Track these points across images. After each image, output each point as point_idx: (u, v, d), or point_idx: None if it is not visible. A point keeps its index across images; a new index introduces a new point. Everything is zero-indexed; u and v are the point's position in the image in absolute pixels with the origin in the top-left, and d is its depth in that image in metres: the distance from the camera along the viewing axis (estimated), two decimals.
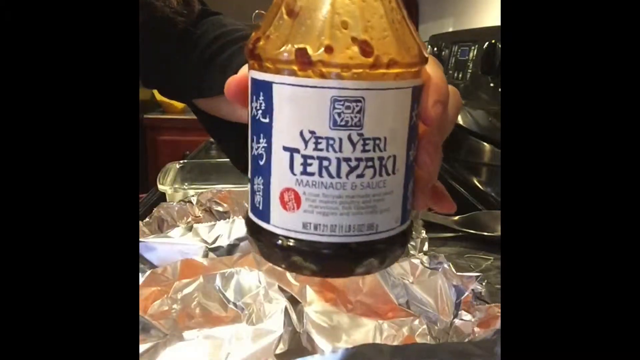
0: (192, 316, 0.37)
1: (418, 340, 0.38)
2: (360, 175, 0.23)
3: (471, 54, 1.05)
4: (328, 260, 0.24)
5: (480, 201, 0.86)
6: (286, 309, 0.37)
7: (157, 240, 0.44)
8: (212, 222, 0.47)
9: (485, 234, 0.66)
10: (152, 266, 0.43)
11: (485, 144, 0.99)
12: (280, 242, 0.24)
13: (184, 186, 0.74)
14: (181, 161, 0.82)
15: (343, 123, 0.22)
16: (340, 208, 0.23)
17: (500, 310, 0.36)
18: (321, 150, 0.22)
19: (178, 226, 0.52)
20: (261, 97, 0.23)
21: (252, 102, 0.24)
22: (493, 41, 0.91)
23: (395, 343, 0.37)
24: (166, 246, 0.44)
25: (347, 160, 0.23)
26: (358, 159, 0.23)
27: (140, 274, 0.39)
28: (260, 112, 0.23)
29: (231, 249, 0.45)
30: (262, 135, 0.24)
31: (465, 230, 0.68)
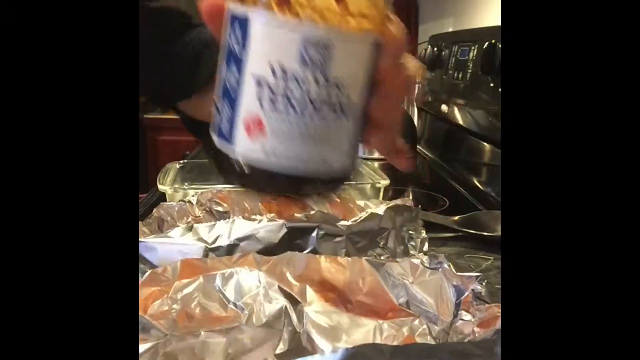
0: (192, 316, 0.37)
1: (418, 340, 0.38)
2: (320, 113, 0.25)
3: (471, 54, 1.05)
4: (281, 183, 0.27)
5: (480, 201, 0.86)
6: (286, 309, 0.37)
7: (157, 240, 0.44)
8: (212, 222, 0.47)
9: (485, 234, 0.66)
10: (152, 266, 0.43)
11: (485, 144, 0.99)
12: (240, 164, 0.26)
13: (184, 186, 0.74)
14: (181, 161, 0.82)
15: (310, 63, 0.24)
16: (299, 140, 0.25)
17: (500, 310, 0.36)
18: (287, 83, 0.25)
19: (178, 226, 0.52)
20: (237, 29, 0.25)
21: (228, 32, 0.26)
22: (493, 41, 0.91)
23: (395, 343, 0.37)
24: (166, 246, 0.44)
25: (310, 97, 0.25)
26: (320, 98, 0.25)
27: (140, 274, 0.39)
28: (235, 42, 0.26)
29: (231, 249, 0.45)
30: (234, 64, 0.26)
31: (465, 230, 0.68)
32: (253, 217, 0.47)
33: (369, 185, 0.75)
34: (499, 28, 0.94)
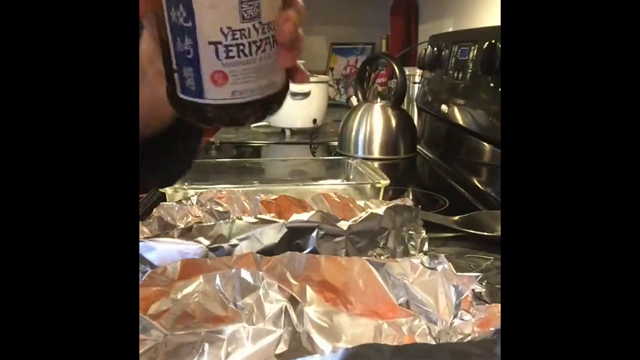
0: (192, 316, 0.37)
1: (418, 340, 0.38)
2: (263, 50, 0.33)
3: (471, 54, 1.05)
4: (250, 113, 0.34)
5: (480, 201, 0.86)
6: (286, 309, 0.37)
7: (157, 240, 0.44)
8: (212, 222, 0.47)
9: (485, 234, 0.66)
10: (152, 266, 0.43)
11: (485, 144, 0.99)
12: (213, 108, 0.34)
13: (184, 186, 0.74)
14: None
15: (249, 17, 0.32)
16: (254, 76, 0.33)
17: (500, 310, 0.36)
18: (237, 39, 0.32)
19: (178, 226, 0.52)
20: (181, 7, 0.31)
21: (170, 11, 0.32)
22: (493, 41, 0.91)
23: (395, 343, 0.37)
24: (166, 246, 0.44)
25: (255, 42, 0.32)
26: (261, 39, 0.33)
27: (140, 274, 0.39)
28: (182, 18, 0.32)
29: (231, 249, 0.45)
30: (186, 36, 0.32)
31: (465, 230, 0.68)
32: (253, 217, 0.47)
33: (369, 185, 0.75)
34: (499, 28, 0.94)
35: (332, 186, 0.81)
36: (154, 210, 0.56)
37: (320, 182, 0.89)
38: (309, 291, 0.39)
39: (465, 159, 1.10)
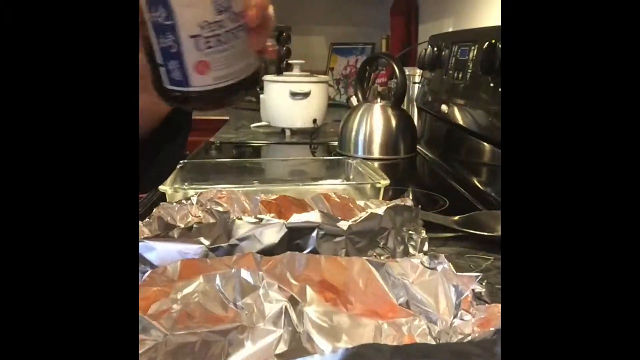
0: (192, 316, 0.37)
1: (418, 340, 0.38)
2: (238, 37, 0.37)
3: (471, 54, 1.05)
4: (232, 94, 0.39)
5: (480, 201, 0.86)
6: (286, 309, 0.37)
7: (157, 240, 0.44)
8: (212, 222, 0.47)
9: (485, 234, 0.66)
10: (152, 266, 0.42)
11: (485, 144, 0.99)
12: (200, 95, 0.37)
13: (184, 186, 0.74)
14: (181, 161, 0.82)
15: (222, 9, 0.35)
16: (233, 61, 0.37)
17: (500, 310, 0.36)
18: (214, 30, 0.35)
19: (178, 226, 0.52)
20: (161, 8, 0.35)
21: (151, 12, 0.35)
22: (493, 41, 0.91)
23: (395, 343, 0.37)
24: (166, 246, 0.44)
25: (230, 30, 0.36)
26: (235, 28, 0.36)
27: (140, 274, 0.39)
28: (162, 18, 0.35)
29: (231, 249, 0.45)
30: (168, 33, 0.35)
31: (465, 230, 0.68)
32: (253, 217, 0.47)
33: (369, 185, 0.75)
34: (499, 28, 0.94)
35: (332, 186, 0.81)
36: (154, 210, 0.56)
37: (320, 182, 0.89)
38: (309, 291, 0.39)
39: (465, 159, 1.10)
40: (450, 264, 0.40)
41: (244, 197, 0.59)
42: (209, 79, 0.37)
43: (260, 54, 0.40)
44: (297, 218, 0.47)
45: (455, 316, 0.38)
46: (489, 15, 1.27)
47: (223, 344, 0.35)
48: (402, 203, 0.53)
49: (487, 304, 0.38)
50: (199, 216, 0.56)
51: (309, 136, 1.43)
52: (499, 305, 0.36)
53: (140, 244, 0.43)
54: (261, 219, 0.46)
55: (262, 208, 0.58)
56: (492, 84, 0.93)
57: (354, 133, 1.23)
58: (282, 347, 0.36)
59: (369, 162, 0.87)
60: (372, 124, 1.21)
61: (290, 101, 1.48)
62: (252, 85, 0.40)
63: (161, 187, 0.68)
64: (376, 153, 1.21)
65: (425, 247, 0.53)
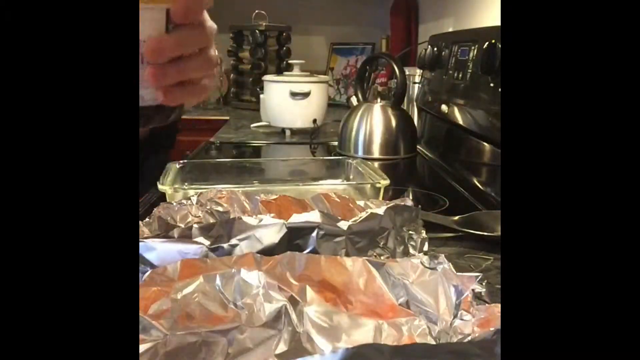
0: (192, 316, 0.37)
1: (418, 340, 0.38)
2: (141, 63, 0.38)
3: (471, 54, 1.05)
4: (146, 115, 0.41)
5: (480, 201, 0.86)
6: (286, 309, 0.37)
7: (157, 240, 0.44)
8: (212, 222, 0.47)
9: (485, 234, 0.66)
10: (152, 266, 0.42)
11: (485, 144, 0.99)
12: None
13: (184, 186, 0.74)
14: (181, 161, 0.82)
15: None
16: (142, 85, 0.38)
17: (500, 310, 0.36)
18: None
19: (178, 226, 0.52)
20: None
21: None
22: (493, 41, 0.91)
23: (395, 343, 0.37)
24: (166, 246, 0.44)
25: (140, 54, 0.38)
26: (140, 53, 0.38)
27: (140, 274, 0.39)
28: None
29: (231, 249, 0.45)
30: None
31: (465, 230, 0.68)
32: (253, 217, 0.47)
33: (369, 185, 0.75)
34: (499, 28, 0.94)
35: (332, 186, 0.81)
36: (154, 210, 0.56)
37: (320, 182, 0.89)
38: (309, 291, 0.39)
39: (465, 159, 1.10)
40: (450, 264, 0.40)
41: (244, 197, 0.59)
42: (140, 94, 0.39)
43: (166, 94, 0.40)
44: (297, 218, 0.47)
45: (455, 316, 0.38)
46: (489, 15, 1.27)
47: (223, 344, 0.35)
48: (402, 203, 0.53)
49: (487, 304, 0.38)
50: (199, 216, 0.56)
51: (309, 136, 1.43)
52: (499, 305, 0.36)
53: (140, 244, 0.43)
54: (261, 219, 0.46)
55: (262, 208, 0.58)
56: (492, 84, 0.93)
57: (354, 133, 1.23)
58: (282, 347, 0.36)
59: (369, 162, 0.87)
60: (372, 124, 1.21)
61: (290, 101, 1.49)
62: (150, 118, 0.41)
63: (161, 187, 0.68)
64: (376, 153, 1.21)
65: (425, 247, 0.53)
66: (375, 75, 1.84)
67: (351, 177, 0.87)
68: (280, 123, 1.54)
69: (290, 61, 1.85)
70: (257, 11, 2.07)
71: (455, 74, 1.12)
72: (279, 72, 2.01)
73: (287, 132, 1.53)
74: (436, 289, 0.40)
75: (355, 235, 0.47)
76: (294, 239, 0.46)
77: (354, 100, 1.35)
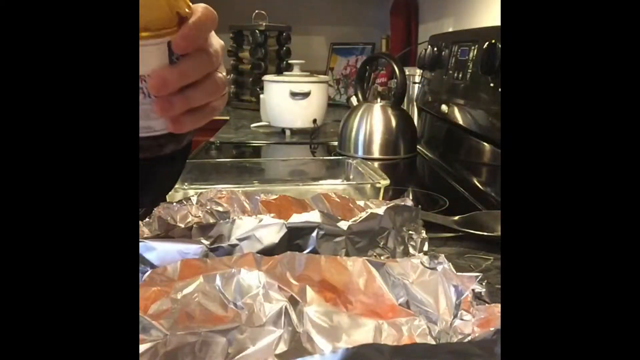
0: (192, 316, 0.37)
1: (418, 340, 0.38)
2: (144, 96, 0.38)
3: (471, 54, 1.05)
4: (145, 146, 0.41)
5: (480, 201, 0.86)
6: (286, 309, 0.37)
7: (157, 240, 0.44)
8: (212, 222, 0.47)
9: (485, 234, 0.66)
10: (152, 266, 0.42)
11: (485, 144, 0.99)
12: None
13: (184, 186, 0.74)
14: None
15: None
16: (142, 117, 0.39)
17: (500, 310, 0.36)
18: (142, 82, 0.38)
19: (178, 226, 0.52)
20: None
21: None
22: (493, 41, 0.91)
23: (395, 343, 0.37)
24: (166, 246, 0.44)
25: (141, 88, 0.38)
26: (141, 87, 0.38)
27: (140, 274, 0.39)
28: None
29: (231, 249, 0.45)
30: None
31: (465, 230, 0.68)
32: (253, 217, 0.47)
33: (369, 185, 0.75)
34: (499, 28, 0.94)
35: (332, 186, 0.81)
36: (154, 210, 0.56)
37: (320, 182, 0.89)
38: (309, 291, 0.39)
39: (465, 159, 1.10)
40: (450, 264, 0.40)
41: (244, 197, 0.59)
42: (140, 126, 0.39)
43: (175, 123, 0.41)
44: (297, 218, 0.47)
45: (455, 316, 0.38)
46: (489, 15, 1.27)
47: (223, 344, 0.35)
48: (402, 203, 0.53)
49: (487, 304, 0.38)
50: (199, 216, 0.56)
51: (309, 136, 1.43)
52: (499, 305, 0.36)
53: (140, 244, 0.43)
54: (261, 219, 0.46)
55: (262, 208, 0.58)
56: (492, 84, 0.93)
57: (354, 133, 1.23)
58: (282, 347, 0.36)
59: (369, 162, 0.87)
60: (372, 124, 1.21)
61: (290, 101, 1.49)
62: (161, 147, 0.43)
63: None
64: (376, 153, 1.21)
65: (425, 247, 0.53)
66: (375, 75, 1.84)
67: (351, 177, 0.87)
68: (280, 123, 1.54)
69: (290, 61, 1.85)
70: (257, 11, 2.07)
71: (455, 74, 1.12)
72: (279, 72, 2.01)
73: (287, 132, 1.53)
74: (436, 289, 0.40)
75: (355, 235, 0.47)
76: (294, 239, 0.46)
77: (354, 100, 1.35)
